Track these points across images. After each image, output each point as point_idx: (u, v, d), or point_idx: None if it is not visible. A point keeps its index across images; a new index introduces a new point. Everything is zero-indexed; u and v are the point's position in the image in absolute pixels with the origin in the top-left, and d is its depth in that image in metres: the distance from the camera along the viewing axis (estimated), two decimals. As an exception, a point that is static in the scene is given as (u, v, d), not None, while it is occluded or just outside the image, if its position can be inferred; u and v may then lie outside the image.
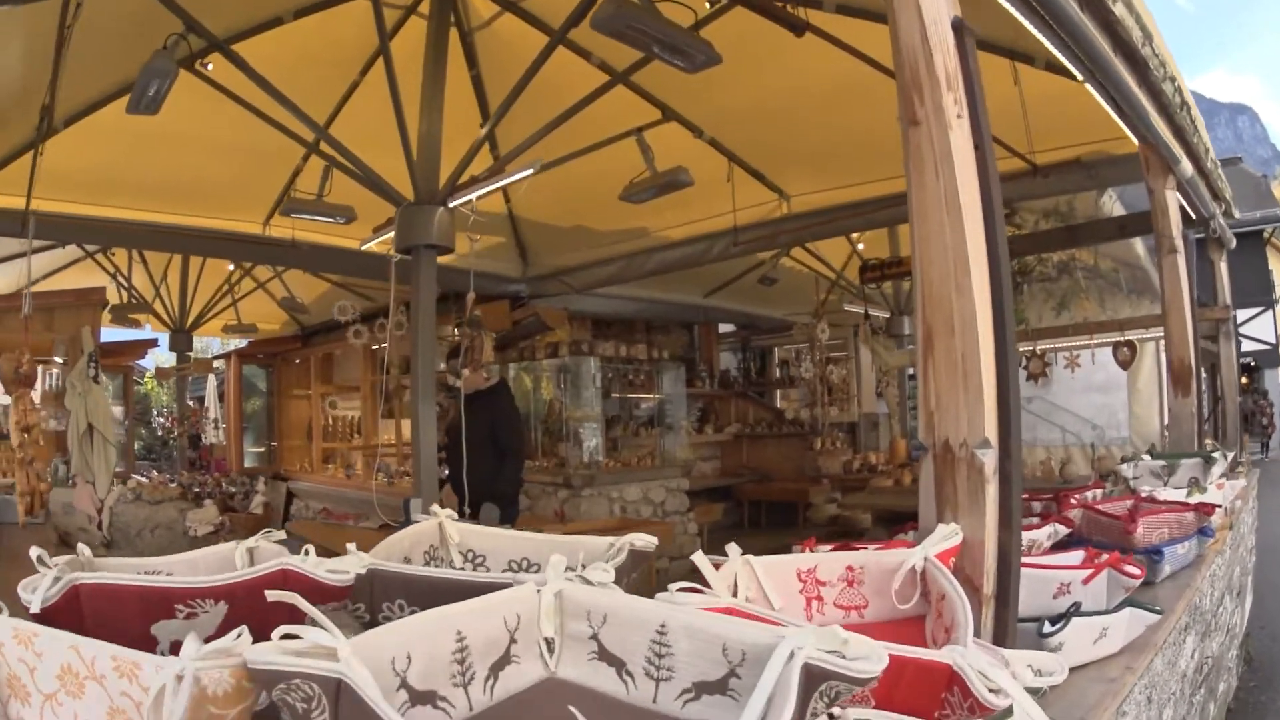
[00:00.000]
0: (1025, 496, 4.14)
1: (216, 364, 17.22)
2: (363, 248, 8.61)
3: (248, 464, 16.41)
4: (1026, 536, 3.20)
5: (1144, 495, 4.21)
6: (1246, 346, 32.43)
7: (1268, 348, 33.67)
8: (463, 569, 2.19)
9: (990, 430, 2.14)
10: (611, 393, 12.65)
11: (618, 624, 1.53)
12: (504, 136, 7.85)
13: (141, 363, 18.25)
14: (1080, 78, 4.33)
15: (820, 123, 7.61)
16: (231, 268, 12.66)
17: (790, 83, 7.05)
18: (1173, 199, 5.73)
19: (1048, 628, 2.21)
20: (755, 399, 15.59)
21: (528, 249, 11.43)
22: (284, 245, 9.41)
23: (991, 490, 2.14)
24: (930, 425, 2.28)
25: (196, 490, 12.02)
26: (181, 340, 14.28)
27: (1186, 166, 5.69)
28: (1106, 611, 2.43)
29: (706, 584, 1.88)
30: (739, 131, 8.04)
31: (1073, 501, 3.91)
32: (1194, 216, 7.12)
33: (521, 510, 9.61)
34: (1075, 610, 2.29)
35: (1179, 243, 5.70)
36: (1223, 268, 8.68)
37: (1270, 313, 33.57)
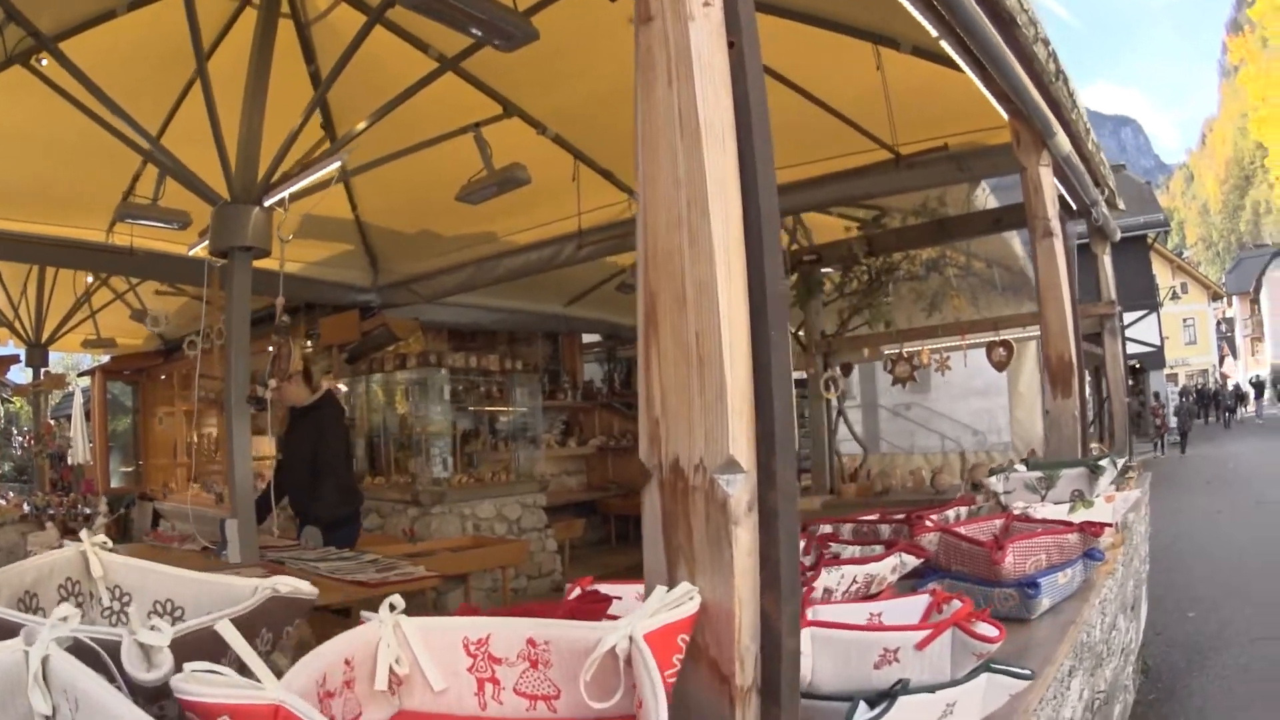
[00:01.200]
0: (874, 517, 3.50)
1: (81, 379, 16.36)
2: (190, 253, 8.05)
3: (115, 484, 15.93)
4: (864, 571, 2.61)
5: (1017, 513, 3.56)
6: (1132, 349, 32.69)
7: (1153, 349, 34.10)
8: (110, 607, 1.80)
9: (741, 447, 1.47)
10: (467, 406, 12.02)
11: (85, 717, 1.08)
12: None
13: (18, 380, 17.20)
14: (936, 33, 3.81)
15: None
16: (90, 279, 11.74)
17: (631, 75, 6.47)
18: (1047, 177, 5.14)
19: (863, 713, 1.53)
20: (621, 410, 14.86)
21: (378, 256, 10.66)
22: (123, 253, 8.64)
23: (744, 535, 1.47)
24: (654, 438, 1.59)
25: (38, 512, 11.10)
26: (37, 355, 13.52)
27: (1063, 141, 5.10)
28: (951, 684, 1.73)
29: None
30: (583, 128, 7.60)
31: (928, 523, 3.24)
32: (1074, 206, 6.69)
33: (372, 529, 10.09)
34: (903, 687, 1.62)
35: (1055, 225, 5.11)
36: (1107, 261, 8.34)
37: (1155, 315, 34.07)
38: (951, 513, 3.71)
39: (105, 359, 15.81)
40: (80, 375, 17.52)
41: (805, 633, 1.77)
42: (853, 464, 9.00)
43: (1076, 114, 5.36)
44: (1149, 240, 34.90)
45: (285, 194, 5.98)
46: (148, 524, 12.36)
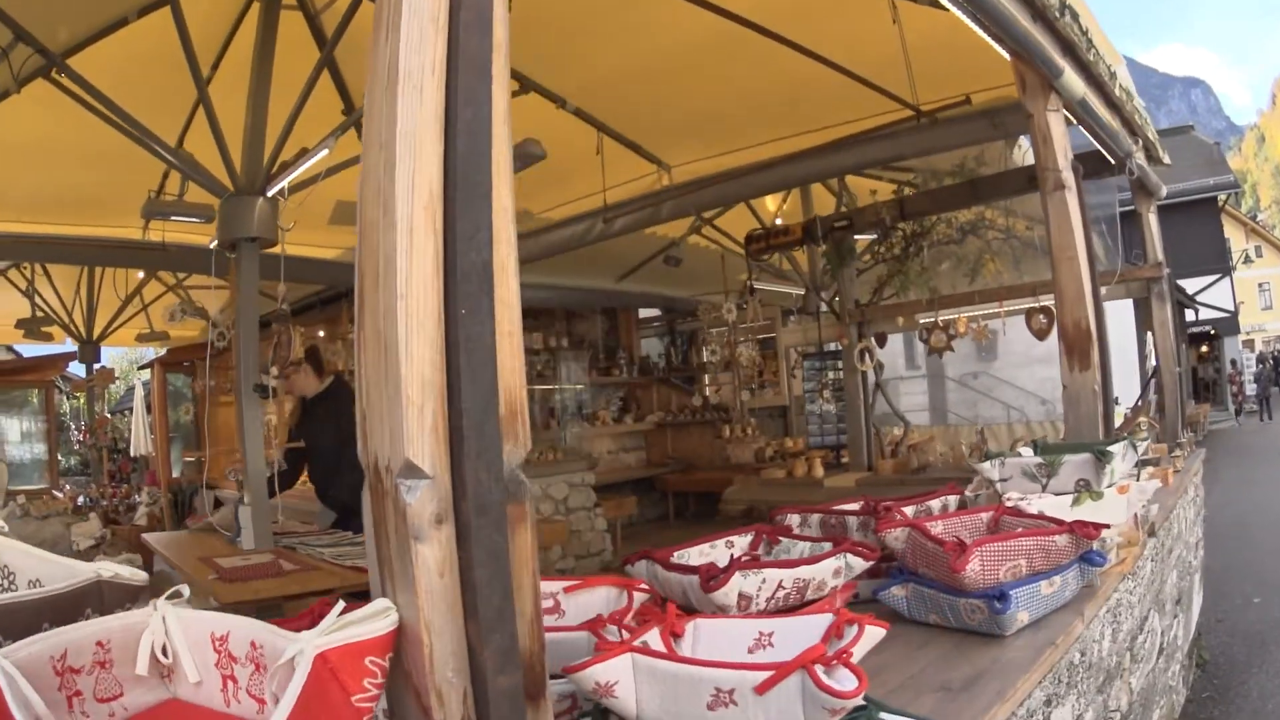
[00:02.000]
0: (853, 507, 3.08)
1: (142, 372, 16.63)
2: (211, 245, 7.76)
3: (177, 473, 15.46)
4: (794, 575, 2.27)
5: (1010, 505, 3.07)
6: (1205, 315, 31.65)
7: (1227, 315, 32.74)
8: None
9: (422, 448, 1.20)
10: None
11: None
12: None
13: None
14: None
15: (693, 86, 7.03)
16: (141, 275, 11.94)
17: (653, 43, 6.52)
18: (1056, 123, 4.59)
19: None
20: (679, 385, 14.57)
21: None
22: (156, 249, 8.59)
23: (429, 552, 1.22)
24: (363, 434, 1.34)
25: (90, 504, 11.45)
26: (89, 352, 13.77)
27: (1073, 83, 4.57)
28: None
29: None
30: (607, 100, 7.34)
31: (898, 516, 2.79)
32: (1110, 160, 6.12)
33: None
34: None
35: (1068, 176, 4.57)
36: (1152, 220, 7.64)
37: (1228, 280, 32.67)
38: (937, 503, 3.32)
39: (163, 351, 15.60)
40: (141, 368, 17.50)
41: (624, 659, 1.54)
42: (894, 439, 8.47)
43: (1095, 55, 4.88)
44: (1220, 202, 33.49)
45: (284, 183, 5.89)
46: (208, 511, 12.65)
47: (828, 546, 2.52)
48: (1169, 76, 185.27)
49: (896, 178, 8.80)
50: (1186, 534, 5.34)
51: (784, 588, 2.21)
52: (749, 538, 2.83)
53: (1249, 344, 41.68)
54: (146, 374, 16.94)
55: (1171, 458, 5.85)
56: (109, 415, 15.87)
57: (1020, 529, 2.61)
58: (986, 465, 3.59)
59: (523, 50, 6.26)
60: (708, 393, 14.23)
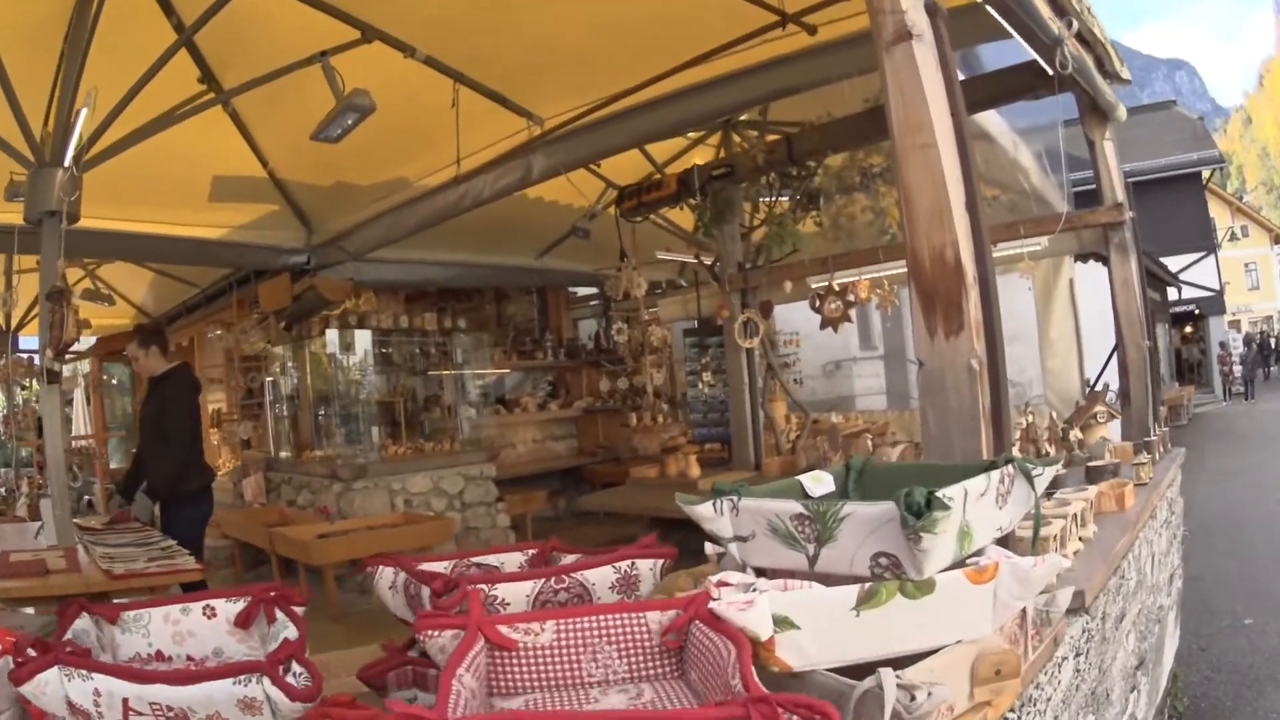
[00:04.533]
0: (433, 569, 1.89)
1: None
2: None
3: (115, 465, 14.88)
4: None
5: (716, 605, 1.60)
6: (1189, 294, 30.07)
7: (1212, 294, 31.12)
8: None
9: None
10: (401, 370, 10.64)
11: None
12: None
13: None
14: None
15: (553, 21, 5.82)
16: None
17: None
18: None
19: None
20: (609, 368, 12.99)
21: (308, 215, 9.19)
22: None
23: None
24: None
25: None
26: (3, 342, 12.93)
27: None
28: None
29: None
30: (461, 45, 6.10)
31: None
32: (1036, 54, 4.25)
33: (304, 506, 9.35)
34: None
35: (917, 19, 2.64)
36: (1108, 150, 5.61)
37: (1213, 258, 31.00)
38: (602, 572, 1.96)
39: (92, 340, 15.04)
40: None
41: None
42: (793, 428, 6.98)
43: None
44: (1204, 178, 31.86)
45: (69, 153, 5.33)
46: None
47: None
48: (1153, 59, 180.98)
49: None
50: (1154, 574, 3.95)
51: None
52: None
53: (1235, 324, 39.93)
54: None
55: (1135, 464, 4.44)
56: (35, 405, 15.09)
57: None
58: (705, 508, 2.00)
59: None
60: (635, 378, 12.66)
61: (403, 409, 10.19)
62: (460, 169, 7.05)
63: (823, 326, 6.11)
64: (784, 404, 7.64)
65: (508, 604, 1.81)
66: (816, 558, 1.81)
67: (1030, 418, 5.01)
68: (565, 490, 11.39)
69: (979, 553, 1.84)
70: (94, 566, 4.35)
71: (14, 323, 12.65)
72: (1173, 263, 26.96)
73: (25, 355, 13.23)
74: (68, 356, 14.38)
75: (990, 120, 7.12)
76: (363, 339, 9.87)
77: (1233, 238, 39.67)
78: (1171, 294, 27.16)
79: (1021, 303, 8.34)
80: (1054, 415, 5.37)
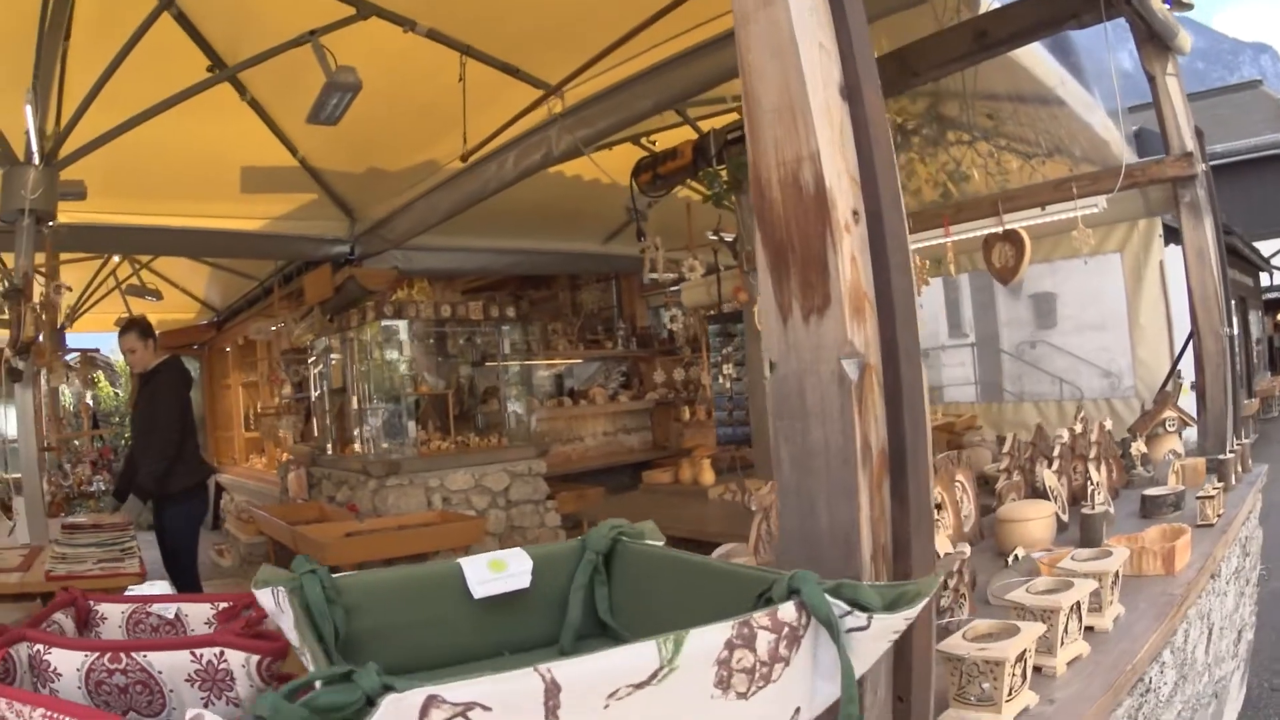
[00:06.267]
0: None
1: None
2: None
3: None
4: None
5: None
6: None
7: (1299, 281, 29.22)
8: None
9: None
10: (444, 361, 10.10)
11: None
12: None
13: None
14: None
15: None
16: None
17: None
18: None
19: None
20: (681, 358, 12.16)
21: (349, 204, 8.80)
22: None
23: None
24: None
25: None
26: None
27: None
28: None
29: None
30: (469, 15, 5.57)
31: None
32: None
33: (341, 502, 8.94)
34: None
35: None
36: (1172, 87, 4.62)
37: (1308, 240, 29.05)
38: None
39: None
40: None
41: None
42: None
43: None
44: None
45: (29, 151, 5.26)
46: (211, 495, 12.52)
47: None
48: (1238, 42, 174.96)
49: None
50: (1212, 651, 3.00)
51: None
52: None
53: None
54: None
55: (1201, 497, 3.32)
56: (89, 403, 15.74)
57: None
58: (264, 597, 1.34)
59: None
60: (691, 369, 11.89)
61: (451, 402, 9.67)
62: (479, 149, 6.48)
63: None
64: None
65: (60, 674, 1.35)
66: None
67: (1079, 426, 3.98)
68: (636, 486, 10.65)
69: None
70: (40, 568, 4.38)
71: (60, 318, 12.50)
72: (1265, 247, 25.46)
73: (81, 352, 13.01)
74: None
75: (1065, 82, 6.14)
76: (405, 329, 9.41)
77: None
78: (1264, 279, 25.76)
79: (1112, 285, 7.72)
80: (1103, 425, 4.30)
